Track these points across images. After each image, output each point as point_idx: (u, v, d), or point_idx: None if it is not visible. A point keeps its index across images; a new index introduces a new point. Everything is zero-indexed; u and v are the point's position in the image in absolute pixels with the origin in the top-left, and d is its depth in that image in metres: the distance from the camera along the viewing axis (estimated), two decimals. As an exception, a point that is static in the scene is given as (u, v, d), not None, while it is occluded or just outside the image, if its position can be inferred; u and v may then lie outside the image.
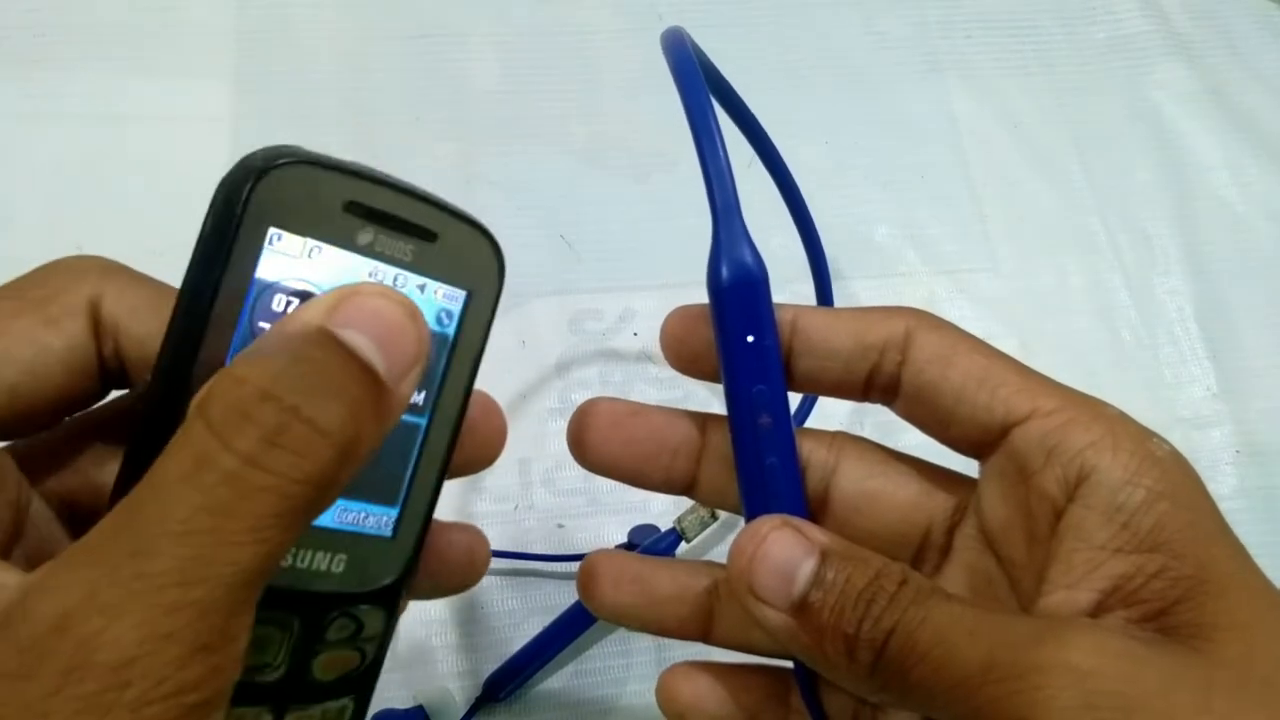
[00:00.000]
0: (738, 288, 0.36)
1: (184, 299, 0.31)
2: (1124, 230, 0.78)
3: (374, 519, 0.35)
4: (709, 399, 0.67)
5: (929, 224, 0.77)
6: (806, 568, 0.34)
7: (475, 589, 0.62)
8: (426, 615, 0.61)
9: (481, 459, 0.40)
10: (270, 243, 0.31)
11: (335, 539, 0.34)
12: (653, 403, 0.42)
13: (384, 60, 0.78)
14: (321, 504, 0.28)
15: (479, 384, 0.38)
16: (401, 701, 0.58)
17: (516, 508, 0.65)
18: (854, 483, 0.40)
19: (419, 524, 0.36)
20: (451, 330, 0.36)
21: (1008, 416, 0.36)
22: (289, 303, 0.32)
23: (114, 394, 0.36)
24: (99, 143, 0.72)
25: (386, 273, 0.34)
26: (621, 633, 0.62)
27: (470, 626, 0.62)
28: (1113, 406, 0.36)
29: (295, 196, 0.32)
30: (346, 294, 0.29)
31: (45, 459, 0.35)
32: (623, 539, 0.63)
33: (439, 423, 0.36)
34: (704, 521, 0.61)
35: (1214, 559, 0.32)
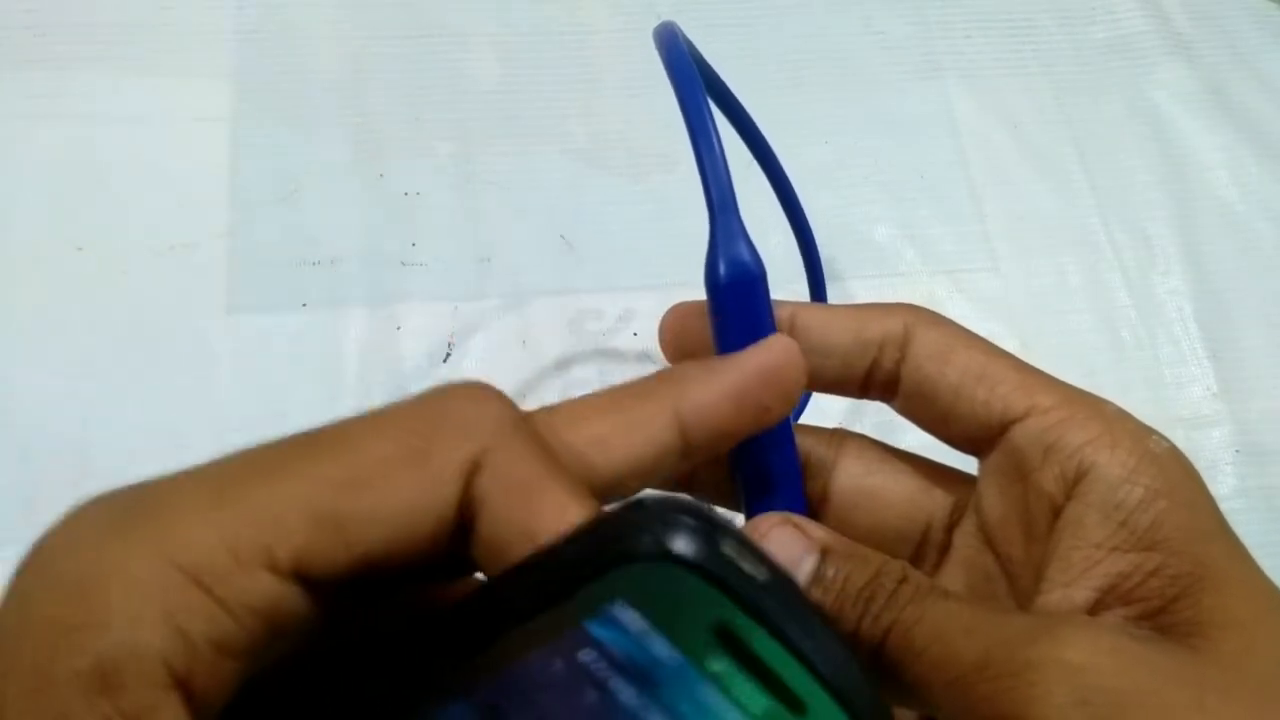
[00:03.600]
0: (735, 285, 0.36)
1: (513, 585, 0.28)
2: (1124, 230, 0.78)
3: None
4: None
5: (928, 224, 0.77)
6: (806, 565, 0.34)
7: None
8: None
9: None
10: (615, 606, 0.27)
11: None
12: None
13: (384, 60, 0.78)
14: None
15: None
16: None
17: (516, 507, 0.65)
18: (853, 480, 0.40)
19: None
20: None
21: (1006, 414, 0.36)
22: (601, 662, 0.27)
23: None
24: (99, 143, 0.72)
25: (726, 711, 0.27)
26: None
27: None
28: (1112, 404, 0.36)
29: (670, 591, 0.27)
30: None
31: None
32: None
33: None
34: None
35: (1212, 557, 0.32)
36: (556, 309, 0.71)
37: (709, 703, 0.27)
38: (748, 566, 0.27)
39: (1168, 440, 0.35)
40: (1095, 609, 0.33)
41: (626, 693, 0.27)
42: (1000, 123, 0.81)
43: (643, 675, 0.27)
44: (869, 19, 0.84)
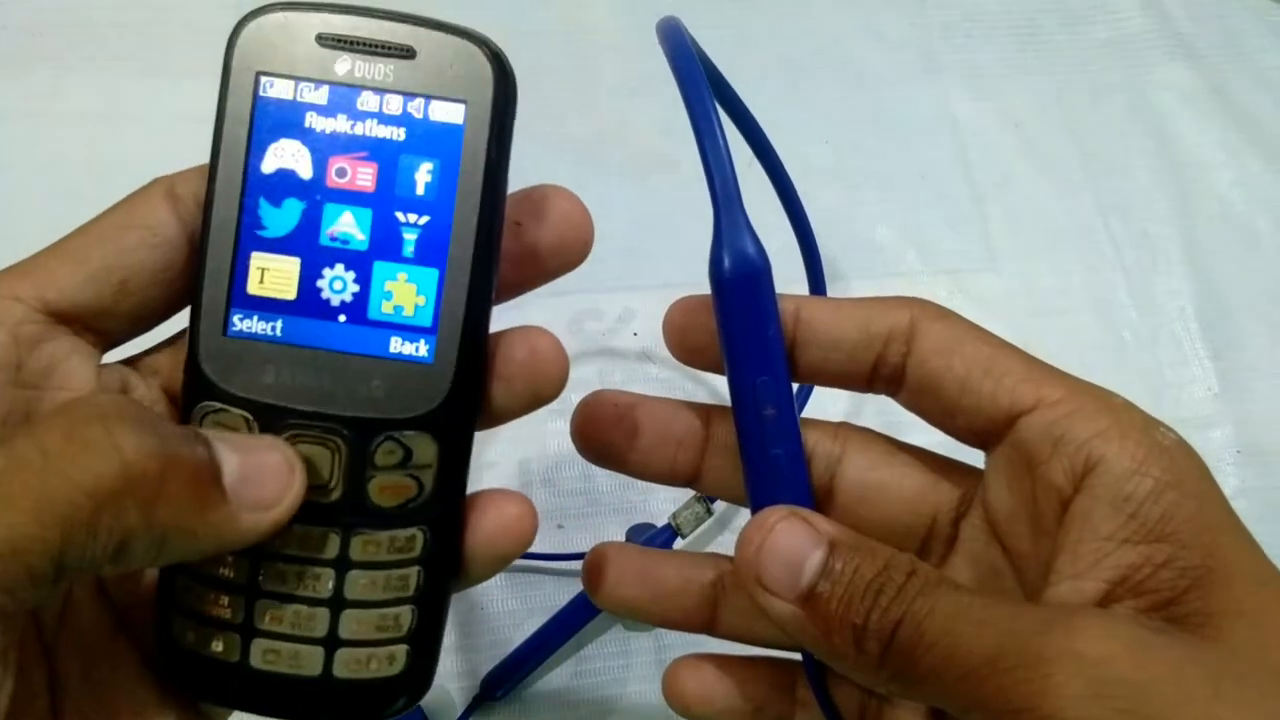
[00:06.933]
0: (740, 279, 0.36)
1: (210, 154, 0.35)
2: (1124, 230, 0.78)
3: (409, 345, 0.35)
4: (710, 400, 0.67)
5: (929, 224, 0.77)
6: (814, 558, 0.34)
7: (474, 589, 0.62)
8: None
9: (570, 249, 0.40)
10: (264, 89, 0.35)
11: (372, 365, 0.35)
12: (654, 402, 0.42)
13: (383, 60, 0.78)
14: (98, 521, 0.29)
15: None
16: (400, 701, 0.58)
17: (517, 508, 0.64)
18: (859, 473, 0.40)
19: (457, 348, 0.36)
20: (453, 145, 0.35)
21: (1013, 406, 0.35)
22: (295, 146, 0.35)
23: None
24: (99, 143, 0.72)
25: (370, 99, 0.35)
26: (620, 631, 0.62)
27: (470, 627, 0.61)
28: (1119, 396, 0.35)
29: (272, 39, 0.35)
30: (249, 442, 0.33)
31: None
32: (621, 539, 0.63)
33: (459, 244, 0.35)
34: (699, 517, 0.61)
35: (1221, 548, 0.32)
36: (556, 309, 0.71)
37: (362, 100, 0.35)
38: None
39: (1175, 432, 0.35)
40: (1105, 601, 0.33)
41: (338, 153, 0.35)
42: (1001, 123, 0.81)
43: (310, 127, 0.35)
44: (869, 19, 0.84)
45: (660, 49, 0.38)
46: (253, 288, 0.35)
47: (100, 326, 0.35)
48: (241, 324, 0.35)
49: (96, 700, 0.35)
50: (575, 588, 0.61)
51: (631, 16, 0.81)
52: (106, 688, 0.35)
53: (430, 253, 0.35)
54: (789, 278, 0.61)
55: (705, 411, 0.41)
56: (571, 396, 0.68)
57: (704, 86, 0.36)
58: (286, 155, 0.35)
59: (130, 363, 0.37)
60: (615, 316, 0.71)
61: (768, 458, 0.37)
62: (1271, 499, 0.70)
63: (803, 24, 0.84)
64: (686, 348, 0.40)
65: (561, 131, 0.77)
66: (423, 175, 0.35)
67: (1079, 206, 0.79)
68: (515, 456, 0.66)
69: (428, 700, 0.58)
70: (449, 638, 0.61)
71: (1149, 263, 0.77)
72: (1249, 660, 0.30)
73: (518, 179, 0.74)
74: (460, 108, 0.35)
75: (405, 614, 0.36)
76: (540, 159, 0.76)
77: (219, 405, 0.35)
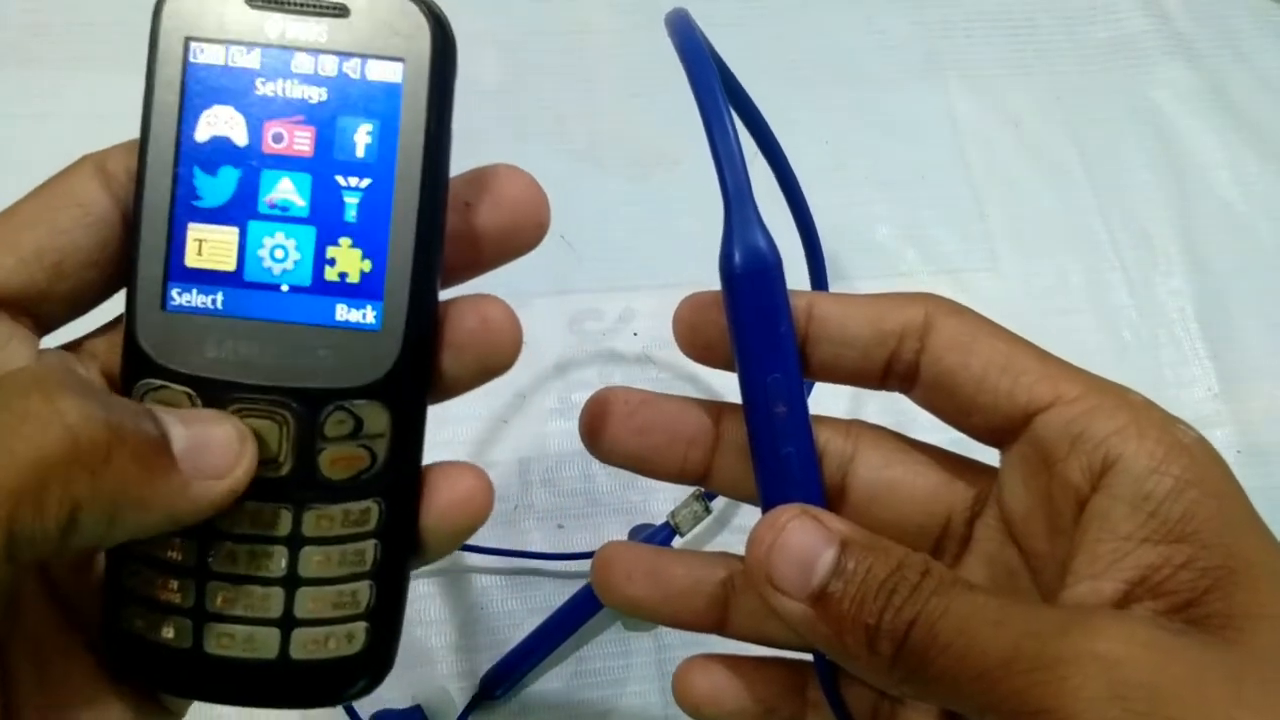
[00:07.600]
0: (752, 274, 0.36)
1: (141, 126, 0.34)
2: (1124, 230, 0.78)
3: (356, 312, 0.35)
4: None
5: (929, 224, 0.77)
6: (826, 557, 0.33)
7: (474, 589, 0.62)
8: (425, 615, 0.61)
9: (523, 231, 0.38)
10: (194, 55, 0.34)
11: (318, 334, 0.34)
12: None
13: (383, 60, 0.78)
14: (45, 495, 0.28)
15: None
16: (399, 701, 0.58)
17: (516, 508, 0.64)
18: (872, 471, 0.39)
19: (405, 313, 0.35)
20: (392, 105, 0.34)
21: (1030, 404, 0.35)
22: (229, 112, 0.34)
23: None
24: (99, 143, 0.71)
25: (304, 61, 0.34)
26: (620, 631, 0.62)
27: (469, 627, 0.61)
28: (1138, 393, 0.35)
29: (200, 3, 0.34)
30: (196, 414, 0.33)
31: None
32: (623, 539, 0.63)
33: (403, 206, 0.34)
34: (697, 515, 0.60)
35: (1243, 549, 0.32)
36: (556, 309, 0.71)
37: (295, 62, 0.34)
38: None
39: (1195, 430, 0.34)
40: (1124, 602, 0.32)
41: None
42: (1001, 122, 0.81)
43: (241, 89, 0.34)
44: (869, 18, 0.84)
45: (665, 45, 0.37)
46: (191, 260, 0.34)
47: (36, 310, 0.34)
48: (180, 298, 0.34)
49: (51, 696, 0.34)
50: (575, 587, 0.61)
51: (631, 16, 0.81)
52: (61, 684, 0.35)
53: (374, 216, 0.34)
54: (791, 276, 0.61)
55: (716, 409, 0.41)
56: (573, 397, 0.68)
57: (714, 78, 0.35)
58: (220, 122, 0.34)
59: (69, 348, 0.36)
60: (615, 316, 0.71)
61: (779, 456, 0.37)
62: (1272, 499, 0.69)
63: (803, 24, 0.83)
64: (696, 345, 0.39)
65: (562, 131, 0.77)
66: (362, 137, 0.34)
67: (1079, 206, 0.79)
68: (515, 456, 0.66)
69: (427, 700, 0.58)
70: (449, 637, 0.61)
71: (1149, 262, 0.77)
72: (1271, 663, 0.30)
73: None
74: (398, 66, 0.34)
75: (363, 590, 0.35)
76: (540, 159, 0.76)
77: (160, 382, 0.34)
